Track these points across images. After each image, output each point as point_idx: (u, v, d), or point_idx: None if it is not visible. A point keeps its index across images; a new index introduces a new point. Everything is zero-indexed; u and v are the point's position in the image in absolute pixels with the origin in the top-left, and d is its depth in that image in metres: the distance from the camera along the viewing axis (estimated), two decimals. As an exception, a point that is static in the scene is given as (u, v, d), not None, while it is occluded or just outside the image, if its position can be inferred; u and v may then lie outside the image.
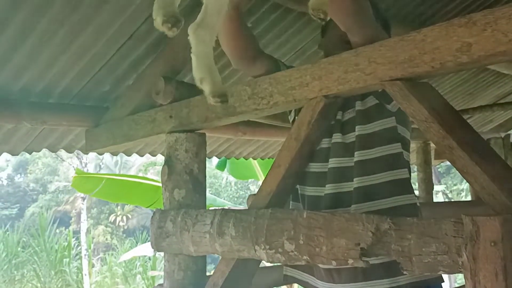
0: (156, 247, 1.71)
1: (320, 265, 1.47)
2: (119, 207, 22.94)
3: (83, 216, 14.57)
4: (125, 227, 22.41)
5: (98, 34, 1.80)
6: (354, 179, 1.45)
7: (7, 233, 16.13)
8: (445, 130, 1.10)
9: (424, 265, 1.06)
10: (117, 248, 18.35)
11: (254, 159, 3.57)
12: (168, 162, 1.75)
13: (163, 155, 2.75)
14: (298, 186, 1.55)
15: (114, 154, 2.58)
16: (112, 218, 22.66)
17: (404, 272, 1.13)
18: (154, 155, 2.79)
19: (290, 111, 1.65)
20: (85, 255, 13.81)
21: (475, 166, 1.05)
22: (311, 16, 1.10)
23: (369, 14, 1.37)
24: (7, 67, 1.82)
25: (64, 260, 14.12)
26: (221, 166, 4.76)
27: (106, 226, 22.63)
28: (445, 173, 18.14)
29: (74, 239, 15.40)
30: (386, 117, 1.48)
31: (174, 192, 1.72)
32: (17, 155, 2.38)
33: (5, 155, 2.32)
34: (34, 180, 24.30)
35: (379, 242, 1.14)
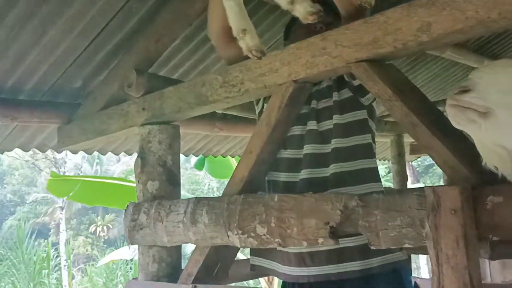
0: (130, 240, 1.69)
1: (291, 250, 1.50)
2: (99, 217, 22.55)
3: (62, 226, 14.29)
4: (106, 237, 22.03)
5: (68, 28, 1.79)
6: (331, 165, 1.49)
7: (-16, 246, 15.69)
8: (408, 108, 1.13)
9: (390, 238, 1.09)
10: (98, 258, 18.03)
11: (232, 156, 3.58)
12: (141, 154, 1.74)
13: (128, 154, 2.74)
14: (271, 173, 1.56)
15: (88, 152, 2.55)
16: (92, 228, 22.26)
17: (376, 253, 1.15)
18: (129, 154, 2.76)
19: (258, 102, 1.66)
20: (64, 265, 13.51)
21: (437, 140, 1.08)
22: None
23: None
24: (-25, 63, 1.79)
25: (43, 271, 13.78)
26: (199, 166, 4.74)
27: (87, 237, 22.22)
28: (423, 172, 18.46)
29: (53, 250, 15.07)
30: (359, 109, 1.54)
31: (148, 184, 1.72)
32: (-12, 154, 2.33)
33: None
34: (12, 192, 23.73)
35: (347, 220, 1.16)
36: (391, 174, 4.00)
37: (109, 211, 22.44)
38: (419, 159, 11.05)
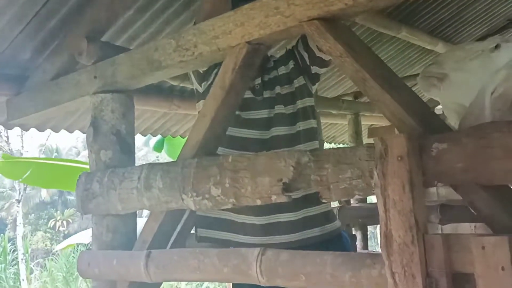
0: (83, 210, 1.65)
1: (256, 222, 1.55)
2: (58, 211, 21.89)
3: (19, 219, 13.75)
4: (66, 232, 21.39)
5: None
6: (301, 146, 1.60)
7: None
8: (359, 64, 1.15)
9: (341, 191, 1.10)
10: (58, 254, 17.54)
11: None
12: (93, 123, 1.68)
13: (82, 132, 2.64)
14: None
15: (40, 129, 2.45)
16: (51, 223, 21.60)
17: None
18: (71, 132, 2.64)
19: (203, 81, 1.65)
20: (22, 259, 13.04)
21: (386, 94, 1.10)
22: None
23: None
24: None
25: (0, 266, 13.28)
26: (158, 148, 4.66)
27: (46, 232, 21.53)
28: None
29: (10, 244, 14.52)
30: (310, 96, 1.69)
31: (101, 153, 1.67)
32: None
33: None
34: (-35, 187, 22.63)
35: (300, 175, 1.17)
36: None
37: (69, 205, 21.83)
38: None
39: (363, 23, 2.78)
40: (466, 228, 2.23)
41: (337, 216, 1.76)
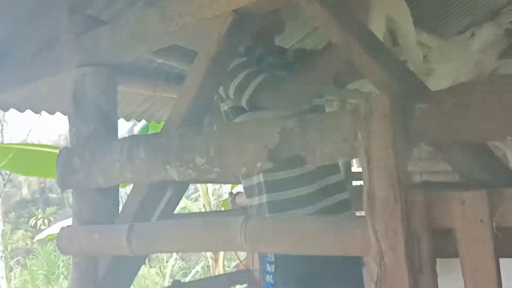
0: (63, 185, 1.61)
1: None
2: (39, 210, 21.51)
3: (-2, 216, 13.47)
4: (47, 231, 21.05)
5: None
6: None
7: None
8: (344, 29, 1.15)
9: (326, 155, 1.10)
10: (40, 253, 17.26)
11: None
12: (74, 98, 1.65)
13: (64, 114, 2.50)
14: None
15: (21, 110, 2.38)
16: (32, 221, 21.21)
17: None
18: (52, 114, 2.57)
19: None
20: (1, 257, 12.77)
21: (370, 59, 1.10)
22: None
23: None
24: None
25: (-23, 264, 12.99)
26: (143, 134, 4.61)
27: (26, 231, 21.13)
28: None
29: (-12, 242, 14.20)
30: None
31: (82, 128, 1.64)
32: None
33: None
34: None
35: (285, 141, 1.16)
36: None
37: (50, 203, 21.48)
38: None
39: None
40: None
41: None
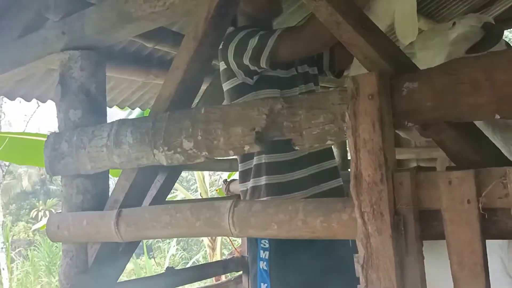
0: (52, 171, 1.59)
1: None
2: (40, 201, 21.53)
3: (-2, 208, 13.49)
4: (48, 221, 21.07)
5: None
6: None
7: None
8: (333, 7, 1.11)
9: (313, 136, 1.08)
10: (41, 245, 17.34)
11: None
12: (61, 81, 1.62)
13: (53, 100, 2.46)
14: None
15: (10, 98, 2.36)
16: (33, 213, 21.24)
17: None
18: (43, 101, 2.53)
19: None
20: (2, 248, 12.81)
21: (359, 37, 1.07)
22: None
23: None
24: None
25: (-22, 255, 13.04)
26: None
27: (27, 222, 21.16)
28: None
29: (-11, 234, 14.24)
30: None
31: (69, 112, 1.61)
32: None
33: None
34: None
35: (273, 123, 1.14)
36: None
37: (51, 195, 21.50)
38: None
39: None
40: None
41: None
